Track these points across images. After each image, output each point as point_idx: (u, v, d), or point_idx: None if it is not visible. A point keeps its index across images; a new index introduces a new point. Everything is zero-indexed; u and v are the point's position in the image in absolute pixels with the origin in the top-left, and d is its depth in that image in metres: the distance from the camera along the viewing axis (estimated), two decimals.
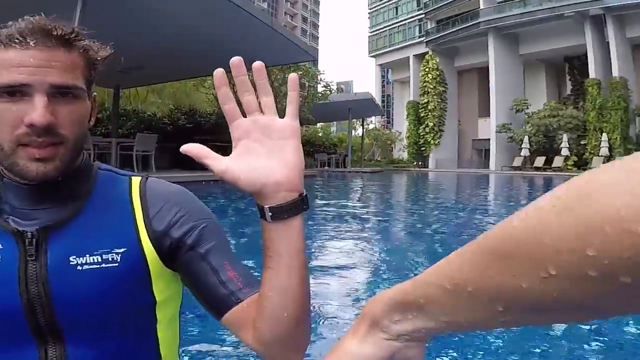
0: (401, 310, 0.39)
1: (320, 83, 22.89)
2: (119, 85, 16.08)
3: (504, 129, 33.58)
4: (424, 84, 38.94)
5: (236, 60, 0.63)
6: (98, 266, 0.75)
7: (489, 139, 36.21)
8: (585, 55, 31.16)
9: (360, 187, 15.35)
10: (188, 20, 10.91)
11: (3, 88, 0.68)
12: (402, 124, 43.88)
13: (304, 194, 0.66)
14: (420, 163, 39.02)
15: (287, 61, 16.78)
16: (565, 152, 29.15)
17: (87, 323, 0.76)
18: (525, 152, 30.93)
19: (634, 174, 0.23)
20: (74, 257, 0.74)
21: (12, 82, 0.68)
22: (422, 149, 39.38)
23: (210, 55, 15.00)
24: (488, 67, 35.69)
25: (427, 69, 38.76)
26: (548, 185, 18.40)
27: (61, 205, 0.77)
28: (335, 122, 49.78)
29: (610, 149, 27.65)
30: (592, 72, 30.25)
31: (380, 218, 8.03)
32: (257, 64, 0.64)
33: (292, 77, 0.67)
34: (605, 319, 0.50)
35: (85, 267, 0.75)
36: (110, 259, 0.76)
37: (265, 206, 0.65)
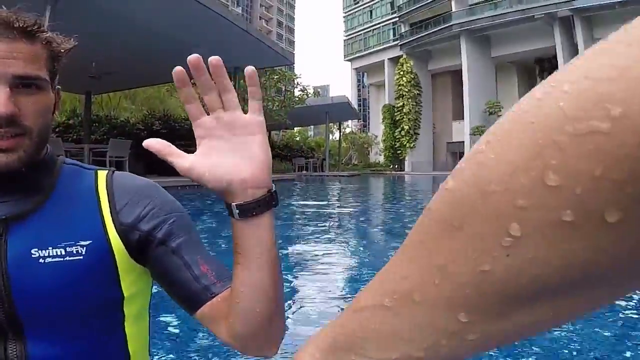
0: (334, 359, 0.29)
1: (297, 87, 22.91)
2: (90, 91, 15.81)
3: (477, 132, 34.20)
4: (399, 87, 39.39)
5: (194, 59, 0.61)
6: (62, 259, 0.73)
7: (463, 142, 36.81)
8: (555, 57, 32.01)
9: (339, 190, 15.38)
10: (160, 25, 10.79)
11: None
12: (378, 127, 44.26)
13: (273, 190, 0.65)
14: (396, 166, 39.40)
15: (263, 65, 16.74)
16: None
17: (49, 318, 0.73)
18: None
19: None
20: (36, 249, 0.73)
21: None
22: (398, 152, 39.79)
23: (184, 61, 14.89)
24: (461, 70, 36.32)
25: (401, 72, 39.21)
26: None
27: (24, 198, 0.76)
28: (312, 127, 49.89)
29: None
30: None
31: (357, 218, 8.08)
32: (214, 60, 0.61)
33: (249, 70, 0.63)
34: (621, 297, 0.28)
35: (48, 259, 0.73)
36: (74, 252, 0.74)
37: (233, 204, 0.63)
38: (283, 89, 21.87)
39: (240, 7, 70.45)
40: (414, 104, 39.26)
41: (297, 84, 22.84)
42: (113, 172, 0.84)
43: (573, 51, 31.10)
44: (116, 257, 0.76)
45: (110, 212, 0.77)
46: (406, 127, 39.01)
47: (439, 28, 37.76)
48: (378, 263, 4.61)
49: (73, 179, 0.81)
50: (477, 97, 35.28)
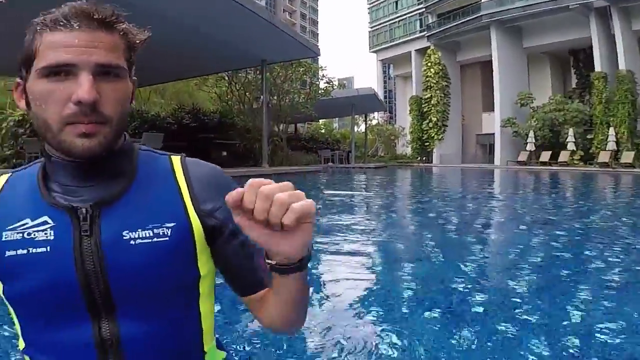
0: None
1: (322, 79, 22.84)
2: None
3: (508, 124, 33.44)
4: (427, 79, 38.77)
5: (232, 200, 0.64)
6: (150, 240, 0.77)
7: (493, 134, 36.06)
8: (591, 48, 30.92)
9: (366, 181, 15.23)
10: (188, 20, 10.89)
11: (50, 68, 0.71)
12: (405, 119, 43.78)
13: (306, 255, 0.72)
14: (424, 158, 38.94)
15: (288, 57, 16.76)
16: (571, 146, 28.97)
17: (139, 297, 0.78)
18: (530, 147, 30.77)
19: None
20: (127, 232, 0.77)
21: (58, 61, 0.70)
22: (426, 144, 39.28)
23: (211, 55, 15.01)
24: (491, 61, 35.50)
25: (429, 64, 38.58)
26: (555, 179, 18.33)
27: (108, 183, 0.80)
28: (337, 119, 49.75)
29: (618, 143, 27.44)
30: (598, 65, 29.98)
31: (388, 209, 8.03)
32: (305, 207, 0.64)
33: (308, 205, 0.65)
34: None
35: (138, 241, 0.77)
36: (161, 233, 0.78)
37: (268, 261, 0.73)
38: (308, 81, 21.84)
39: (264, 0, 70.56)
40: (442, 95, 38.61)
41: (323, 76, 22.77)
42: (184, 157, 0.89)
43: (610, 42, 29.97)
44: (195, 238, 0.81)
45: (190, 196, 0.83)
46: (434, 119, 38.43)
47: (468, 19, 36.93)
48: (406, 251, 4.66)
49: (150, 163, 0.86)
50: (508, 88, 34.42)
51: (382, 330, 2.41)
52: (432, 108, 38.56)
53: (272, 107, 19.23)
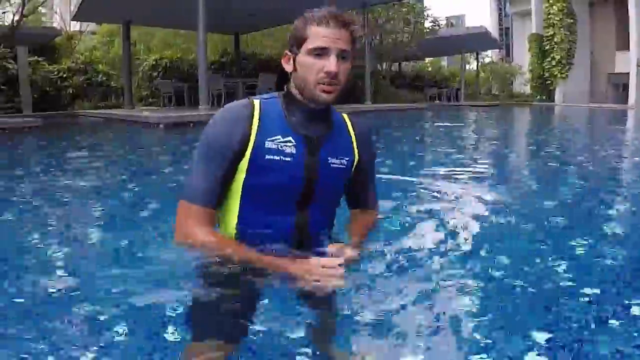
0: None
1: (427, 19, 22.18)
2: (238, 31, 17.46)
3: None
4: (549, 16, 35.06)
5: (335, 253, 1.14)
6: (338, 166, 1.25)
7: (627, 73, 32.13)
8: None
9: (474, 119, 14.17)
10: None
11: (315, 49, 1.14)
12: (523, 57, 40.47)
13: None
14: (544, 97, 36.13)
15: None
16: None
17: (324, 198, 1.25)
18: None
19: None
20: (330, 158, 1.24)
21: (321, 45, 1.13)
22: (547, 82, 36.24)
23: None
24: None
25: (551, 1, 34.74)
26: None
27: (323, 125, 1.25)
28: (446, 57, 47.38)
29: None
30: None
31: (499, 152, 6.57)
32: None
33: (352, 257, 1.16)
34: None
35: (334, 165, 1.24)
36: (343, 162, 1.26)
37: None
38: (411, 21, 21.39)
39: None
40: (567, 33, 34.81)
41: (428, 15, 22.11)
42: (350, 115, 1.36)
43: None
44: (352, 169, 1.31)
45: (356, 145, 1.32)
46: (557, 57, 35.05)
47: None
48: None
49: (337, 116, 1.31)
50: None
51: None
52: (555, 46, 35.08)
53: (375, 47, 19.47)
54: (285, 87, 1.25)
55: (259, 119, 1.18)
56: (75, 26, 24.73)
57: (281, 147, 1.17)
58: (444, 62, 46.03)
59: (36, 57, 16.89)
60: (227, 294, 1.14)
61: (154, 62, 17.45)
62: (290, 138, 1.18)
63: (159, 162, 5.44)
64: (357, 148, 1.31)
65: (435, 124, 11.98)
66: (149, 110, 13.14)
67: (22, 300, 1.41)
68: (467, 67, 34.31)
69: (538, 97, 35.81)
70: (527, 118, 16.23)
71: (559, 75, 35.57)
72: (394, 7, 19.21)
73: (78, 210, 2.75)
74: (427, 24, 22.23)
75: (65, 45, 20.21)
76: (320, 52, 1.14)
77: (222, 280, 1.15)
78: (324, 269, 1.04)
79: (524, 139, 9.21)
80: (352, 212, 1.42)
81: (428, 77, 28.54)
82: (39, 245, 1.98)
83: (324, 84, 1.14)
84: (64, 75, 17.19)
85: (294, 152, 1.17)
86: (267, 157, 1.16)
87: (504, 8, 55.45)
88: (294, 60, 1.19)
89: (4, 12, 11.85)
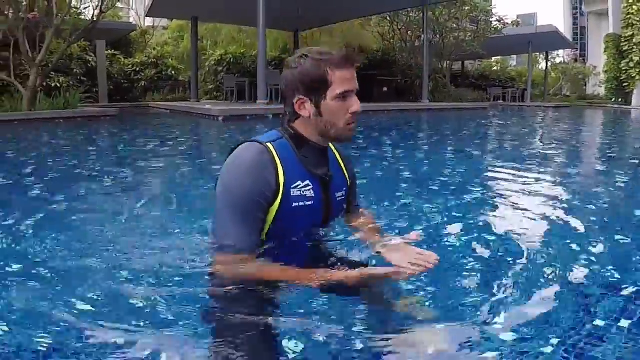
0: None
1: (493, 17, 21.52)
2: (297, 29, 17.88)
3: None
4: (628, 16, 32.81)
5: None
6: (341, 197, 1.37)
7: None
8: None
9: (540, 121, 13.27)
10: None
11: (343, 94, 1.21)
12: (598, 57, 38.14)
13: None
14: (620, 100, 33.94)
15: None
16: None
17: (333, 221, 1.39)
18: None
19: None
20: (337, 192, 1.34)
21: (348, 89, 1.22)
22: (625, 84, 34.01)
23: None
24: None
25: (631, 0, 32.44)
26: None
27: (325, 159, 1.32)
28: (515, 57, 45.51)
29: None
30: None
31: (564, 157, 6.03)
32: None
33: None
34: None
35: (338, 198, 1.35)
36: (344, 192, 1.38)
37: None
38: (479, 18, 20.84)
39: None
40: None
41: (493, 14, 21.46)
42: (334, 147, 1.41)
43: None
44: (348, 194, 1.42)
45: (346, 170, 1.42)
46: (636, 59, 32.78)
47: None
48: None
49: (329, 150, 1.37)
50: None
51: None
52: (635, 47, 32.80)
53: (435, 45, 19.19)
54: (287, 127, 1.28)
55: (282, 166, 1.20)
56: (148, 22, 26.19)
57: (303, 192, 1.23)
58: (513, 61, 44.38)
59: (112, 50, 18.14)
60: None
61: (219, 58, 18.23)
62: (308, 182, 1.24)
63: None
64: (347, 172, 1.42)
65: (493, 123, 11.83)
66: (211, 103, 13.97)
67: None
68: (537, 67, 32.81)
69: (613, 99, 33.70)
70: (598, 121, 15.32)
71: (637, 77, 33.28)
72: (456, 6, 18.83)
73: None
74: (493, 23, 21.58)
75: (139, 40, 21.50)
76: (346, 95, 1.21)
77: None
78: (420, 255, 1.08)
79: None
80: (350, 215, 1.49)
81: (493, 76, 27.67)
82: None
83: (351, 123, 1.24)
84: (137, 69, 18.36)
85: (313, 195, 1.25)
86: (294, 204, 1.22)
87: (580, 7, 52.44)
88: (316, 106, 1.22)
89: (85, 8, 12.85)
